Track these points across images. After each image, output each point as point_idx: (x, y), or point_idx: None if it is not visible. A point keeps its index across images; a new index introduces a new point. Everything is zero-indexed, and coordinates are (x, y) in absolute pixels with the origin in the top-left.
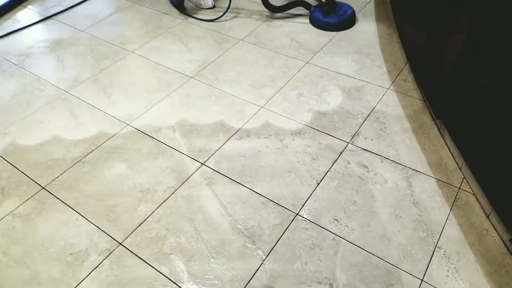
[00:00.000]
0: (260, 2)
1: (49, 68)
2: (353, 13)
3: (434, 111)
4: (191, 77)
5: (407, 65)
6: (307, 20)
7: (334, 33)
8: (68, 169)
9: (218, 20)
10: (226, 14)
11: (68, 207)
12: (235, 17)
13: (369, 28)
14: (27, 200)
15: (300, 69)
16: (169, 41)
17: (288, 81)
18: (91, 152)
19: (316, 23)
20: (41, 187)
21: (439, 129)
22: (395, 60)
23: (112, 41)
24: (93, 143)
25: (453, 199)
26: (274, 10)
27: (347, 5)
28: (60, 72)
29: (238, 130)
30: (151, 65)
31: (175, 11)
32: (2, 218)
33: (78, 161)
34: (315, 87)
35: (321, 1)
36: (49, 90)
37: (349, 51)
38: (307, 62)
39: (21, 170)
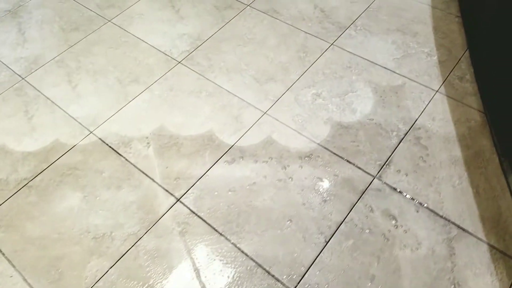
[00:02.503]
0: None
1: (7, 43)
2: None
3: (496, 132)
4: (179, 62)
5: (467, 53)
6: None
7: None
8: (12, 196)
9: None
10: None
11: (3, 258)
12: None
13: None
14: None
15: (322, 54)
16: (157, 5)
17: (304, 72)
18: (41, 172)
19: None
20: None
21: (501, 163)
22: (451, 44)
23: (88, 3)
24: (45, 158)
25: None
26: None
27: None
28: (20, 48)
29: (230, 148)
30: (131, 41)
31: None
32: None
33: (24, 185)
34: (339, 84)
35: None
36: (3, 75)
37: (390, 27)
38: (332, 44)
39: None
